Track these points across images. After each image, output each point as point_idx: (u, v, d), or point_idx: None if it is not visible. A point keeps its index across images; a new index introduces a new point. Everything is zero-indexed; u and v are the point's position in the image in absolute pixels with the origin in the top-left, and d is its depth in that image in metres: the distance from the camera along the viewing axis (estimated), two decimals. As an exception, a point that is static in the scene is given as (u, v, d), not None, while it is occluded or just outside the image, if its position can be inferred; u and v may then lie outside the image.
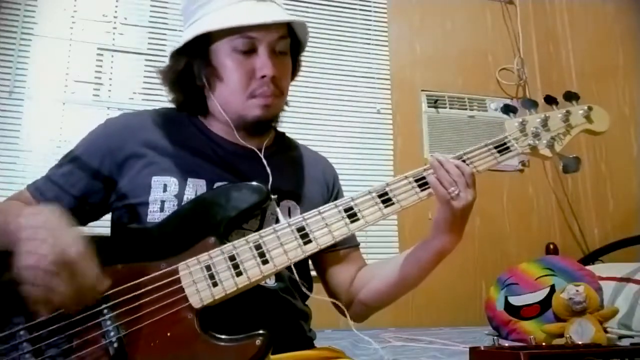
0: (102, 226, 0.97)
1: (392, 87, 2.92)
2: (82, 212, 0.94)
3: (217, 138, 0.99)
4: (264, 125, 0.98)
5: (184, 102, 1.01)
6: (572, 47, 3.07)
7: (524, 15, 3.19)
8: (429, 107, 2.96)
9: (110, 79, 2.53)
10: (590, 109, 0.97)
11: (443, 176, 0.86)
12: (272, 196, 0.89)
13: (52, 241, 0.71)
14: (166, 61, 1.00)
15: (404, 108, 2.93)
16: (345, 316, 0.96)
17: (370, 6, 2.99)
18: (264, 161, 0.97)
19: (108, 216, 0.97)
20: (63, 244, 0.71)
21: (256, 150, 0.98)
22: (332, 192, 1.08)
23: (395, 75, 2.94)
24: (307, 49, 1.06)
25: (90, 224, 0.97)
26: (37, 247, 0.70)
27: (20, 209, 0.81)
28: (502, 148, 0.94)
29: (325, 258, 1.04)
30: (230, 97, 0.94)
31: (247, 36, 0.91)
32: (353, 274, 1.04)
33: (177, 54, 0.96)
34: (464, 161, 0.90)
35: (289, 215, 0.94)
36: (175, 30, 2.62)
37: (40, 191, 0.93)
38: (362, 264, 1.07)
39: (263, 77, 0.92)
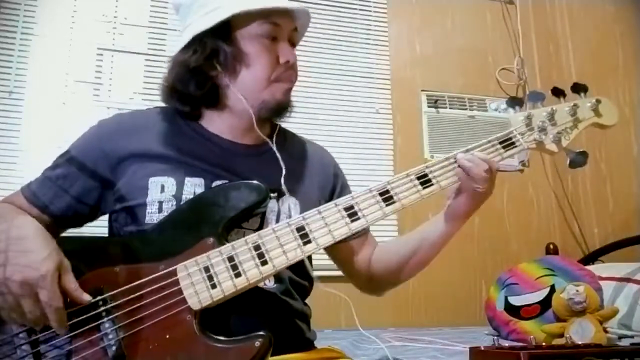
0: (100, 226, 0.97)
1: (391, 87, 2.92)
2: (78, 214, 0.93)
3: (214, 137, 0.98)
4: (283, 110, 0.99)
5: (199, 97, 0.96)
6: (572, 47, 3.06)
7: (524, 15, 3.18)
8: (429, 107, 2.96)
9: (110, 79, 2.53)
10: (598, 101, 0.95)
11: (478, 174, 0.88)
12: (272, 195, 0.88)
13: (21, 260, 0.73)
14: (166, 61, 0.99)
15: (404, 108, 2.92)
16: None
17: (370, 6, 2.99)
18: (278, 154, 0.96)
19: (106, 217, 0.97)
20: (29, 265, 0.72)
21: (267, 140, 0.98)
22: (335, 186, 1.08)
23: (395, 75, 2.94)
24: (307, 48, 1.07)
25: (90, 225, 0.97)
26: (6, 262, 0.73)
27: (9, 216, 0.84)
28: (508, 143, 0.92)
29: (341, 249, 1.05)
30: (254, 82, 0.95)
31: (273, 22, 0.94)
32: (370, 254, 1.07)
33: (199, 41, 0.94)
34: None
35: (290, 214, 0.93)
36: (176, 30, 2.61)
37: (36, 195, 0.92)
38: (375, 243, 1.10)
39: (287, 62, 0.95)
